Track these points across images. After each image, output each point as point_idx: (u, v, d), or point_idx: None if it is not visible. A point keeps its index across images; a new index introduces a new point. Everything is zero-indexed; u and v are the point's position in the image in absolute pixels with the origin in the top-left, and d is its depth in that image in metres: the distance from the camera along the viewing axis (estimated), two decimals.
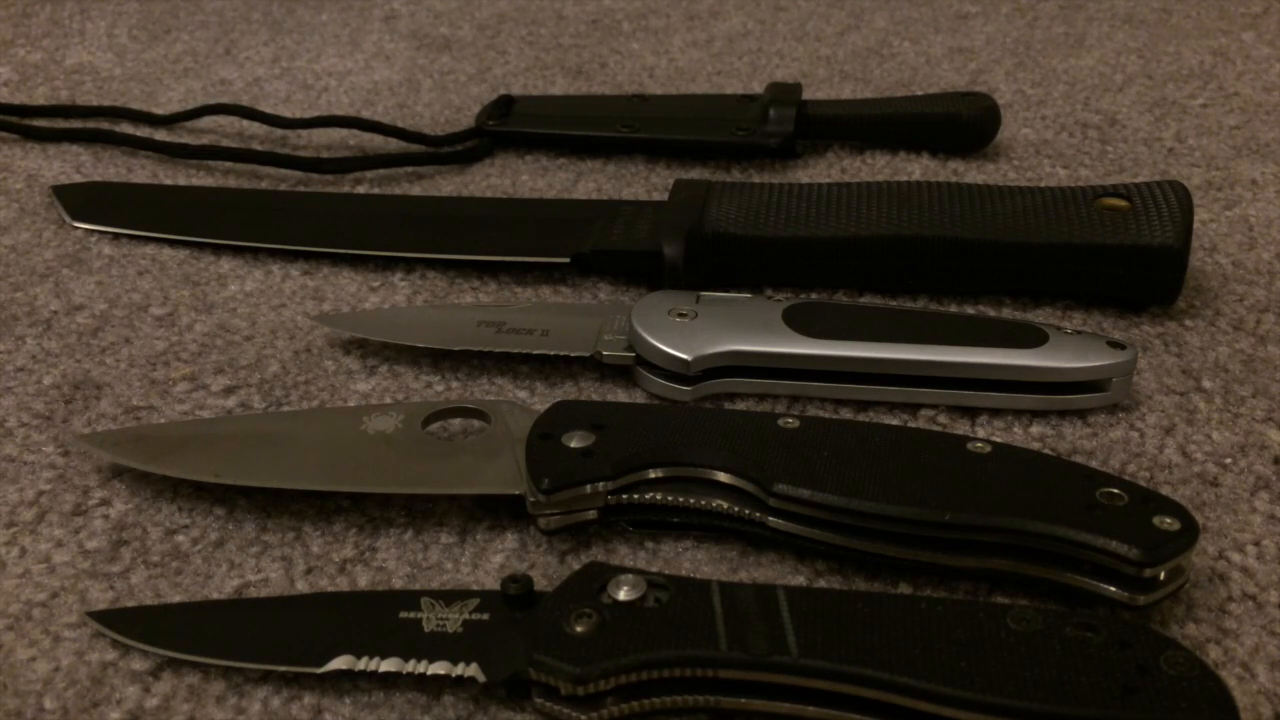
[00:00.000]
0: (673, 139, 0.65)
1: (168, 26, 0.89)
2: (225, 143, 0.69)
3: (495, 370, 0.47)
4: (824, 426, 0.39)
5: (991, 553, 0.35)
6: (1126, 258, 0.49)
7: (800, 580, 0.37)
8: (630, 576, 0.33)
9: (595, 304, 0.52)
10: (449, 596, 0.34)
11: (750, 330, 0.45)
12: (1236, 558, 0.37)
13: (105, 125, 0.70)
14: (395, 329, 0.48)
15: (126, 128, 0.70)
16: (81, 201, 0.60)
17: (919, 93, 0.75)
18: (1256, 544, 0.38)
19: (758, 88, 0.74)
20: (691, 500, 0.38)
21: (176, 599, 0.36)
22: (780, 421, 0.39)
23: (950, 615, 0.31)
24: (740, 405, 0.45)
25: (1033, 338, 0.44)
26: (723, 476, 0.38)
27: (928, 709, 0.29)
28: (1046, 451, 0.42)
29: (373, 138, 0.68)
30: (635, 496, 0.38)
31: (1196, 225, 0.56)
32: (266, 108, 0.71)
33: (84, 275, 0.54)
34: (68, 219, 0.59)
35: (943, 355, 0.43)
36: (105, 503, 0.40)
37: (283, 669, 0.33)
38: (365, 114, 0.72)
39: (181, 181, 0.64)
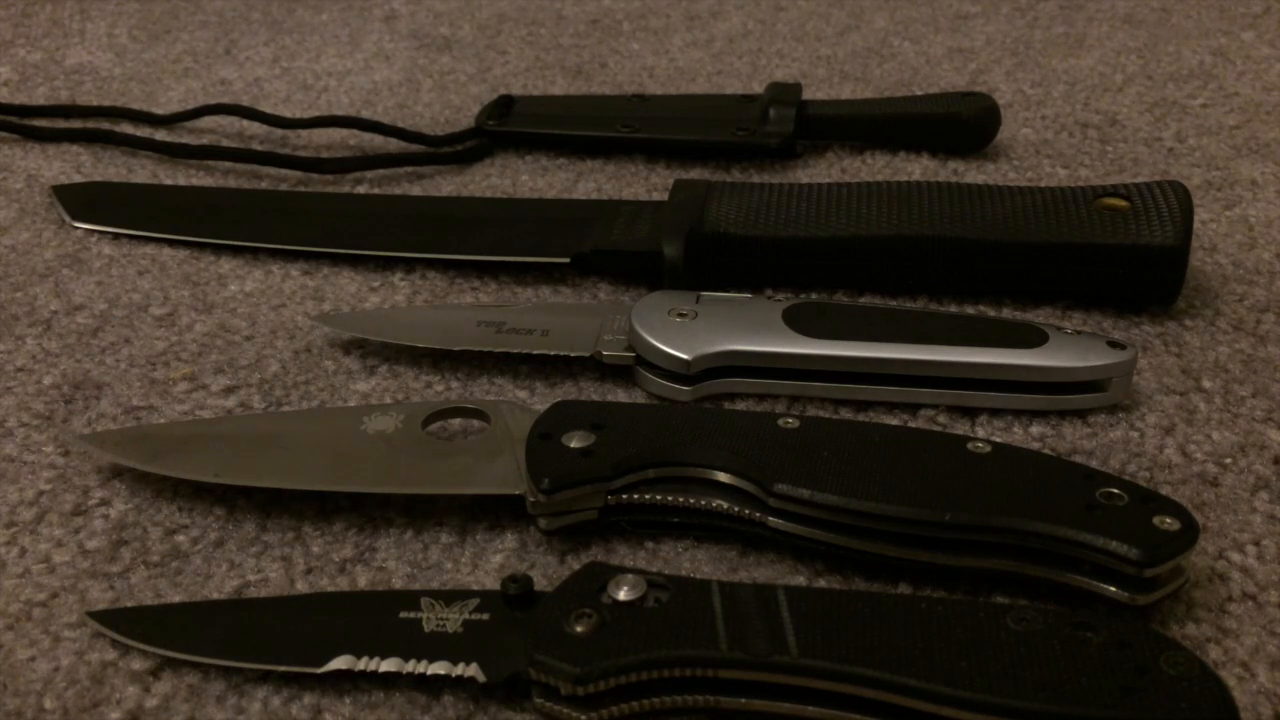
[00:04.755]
0: (673, 139, 0.65)
1: (168, 26, 0.89)
2: (225, 143, 0.69)
3: (495, 370, 0.47)
4: (824, 426, 0.39)
5: (991, 553, 0.35)
6: (1126, 258, 0.49)
7: (800, 580, 0.37)
8: (630, 576, 0.33)
9: (595, 304, 0.52)
10: (449, 596, 0.34)
11: (750, 330, 0.45)
12: (1236, 558, 0.37)
13: (105, 125, 0.70)
14: (395, 329, 0.48)
15: (126, 128, 0.70)
16: (81, 201, 0.60)
17: (919, 93, 0.75)
18: (1256, 544, 0.38)
19: (758, 88, 0.74)
20: (691, 500, 0.38)
21: (176, 599, 0.36)
22: (780, 421, 0.39)
23: (950, 615, 0.31)
24: (740, 405, 0.45)
25: (1033, 338, 0.44)
26: (722, 476, 0.38)
27: (928, 709, 0.29)
28: (1046, 451, 0.42)
29: (373, 138, 0.68)
30: (635, 496, 0.38)
31: (1196, 225, 0.56)
32: (266, 108, 0.71)
33: (84, 275, 0.54)
34: (68, 219, 0.59)
35: (943, 355, 0.43)
36: (105, 503, 0.40)
37: (283, 669, 0.33)
38: (365, 114, 0.72)
39: (181, 181, 0.64)
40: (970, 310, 0.51)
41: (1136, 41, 0.84)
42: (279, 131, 0.70)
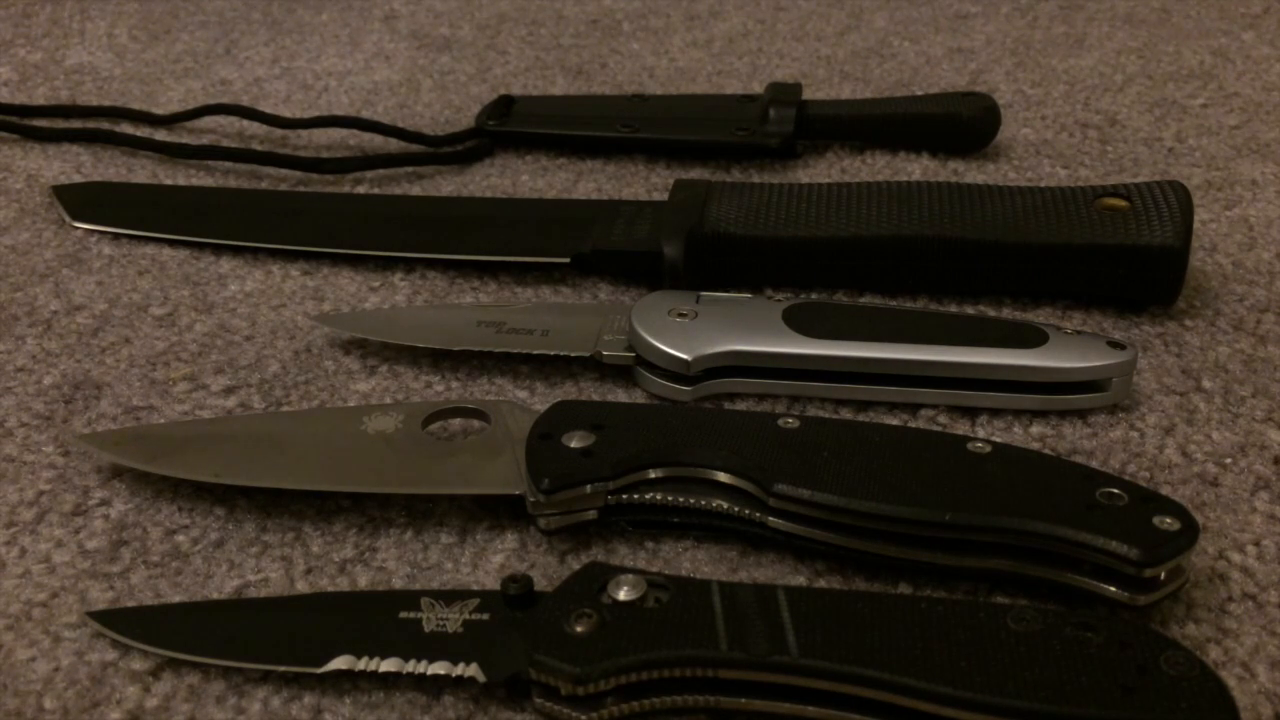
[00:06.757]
0: (673, 139, 0.65)
1: (168, 26, 0.89)
2: (225, 143, 0.69)
3: (495, 370, 0.47)
4: (824, 426, 0.39)
5: (991, 553, 0.35)
6: (1126, 258, 0.49)
7: (800, 580, 0.37)
8: (630, 576, 0.33)
9: (595, 304, 0.52)
10: (449, 596, 0.34)
11: (750, 330, 0.45)
12: (1236, 558, 0.37)
13: (105, 125, 0.70)
14: (395, 329, 0.48)
15: (126, 128, 0.70)
16: (81, 201, 0.60)
17: (919, 93, 0.75)
18: (1256, 544, 0.38)
19: (758, 88, 0.74)
20: (691, 500, 0.38)
21: (176, 599, 0.36)
22: (780, 421, 0.39)
23: (950, 615, 0.31)
24: (740, 405, 0.45)
25: (1033, 338, 0.44)
26: (723, 476, 0.38)
27: (928, 709, 0.29)
28: (1046, 451, 0.42)
29: (373, 138, 0.68)
30: (635, 496, 0.38)
31: (1196, 225, 0.56)
32: (266, 108, 0.71)
33: (84, 275, 0.54)
34: (68, 219, 0.59)
35: (943, 355, 0.43)
36: (105, 503, 0.40)
37: (283, 669, 0.33)
38: (365, 114, 0.72)
39: (181, 181, 0.64)
40: (970, 310, 0.51)
41: (1136, 41, 0.84)
42: (279, 131, 0.70)
